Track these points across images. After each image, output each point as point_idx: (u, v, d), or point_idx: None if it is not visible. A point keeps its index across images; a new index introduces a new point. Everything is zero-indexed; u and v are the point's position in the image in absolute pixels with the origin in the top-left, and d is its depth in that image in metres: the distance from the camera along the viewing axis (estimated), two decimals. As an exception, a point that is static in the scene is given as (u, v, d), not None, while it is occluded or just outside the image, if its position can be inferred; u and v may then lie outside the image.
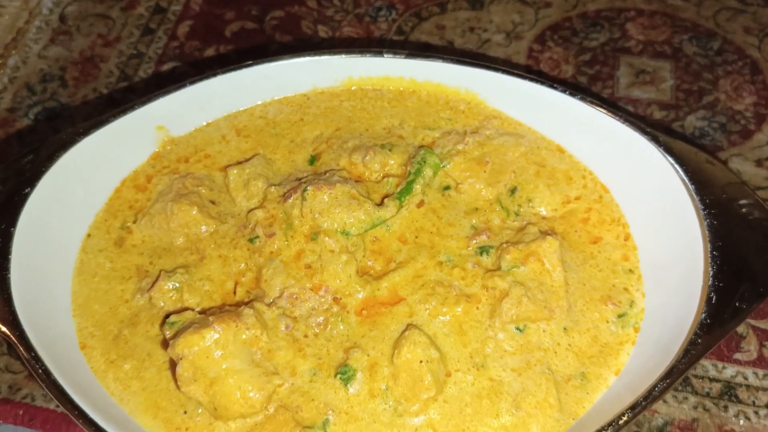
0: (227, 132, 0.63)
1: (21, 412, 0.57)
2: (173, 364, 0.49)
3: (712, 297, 0.47)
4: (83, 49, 0.77)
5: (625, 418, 0.44)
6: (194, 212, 0.56)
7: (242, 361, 0.49)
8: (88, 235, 0.58)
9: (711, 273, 0.48)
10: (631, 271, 0.56)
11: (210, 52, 0.77)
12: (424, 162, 0.58)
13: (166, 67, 0.76)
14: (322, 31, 0.78)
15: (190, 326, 0.49)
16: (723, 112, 0.71)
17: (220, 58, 0.76)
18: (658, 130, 0.55)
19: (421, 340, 0.50)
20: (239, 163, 0.60)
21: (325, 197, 0.55)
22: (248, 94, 0.63)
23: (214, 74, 0.60)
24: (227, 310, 0.51)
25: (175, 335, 0.49)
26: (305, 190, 0.55)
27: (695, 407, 0.56)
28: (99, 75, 0.75)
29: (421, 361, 0.49)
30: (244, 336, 0.49)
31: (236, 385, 0.48)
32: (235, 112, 0.64)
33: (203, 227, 0.57)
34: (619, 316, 0.54)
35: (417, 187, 0.57)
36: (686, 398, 0.56)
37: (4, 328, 0.47)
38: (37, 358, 0.47)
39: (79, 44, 0.77)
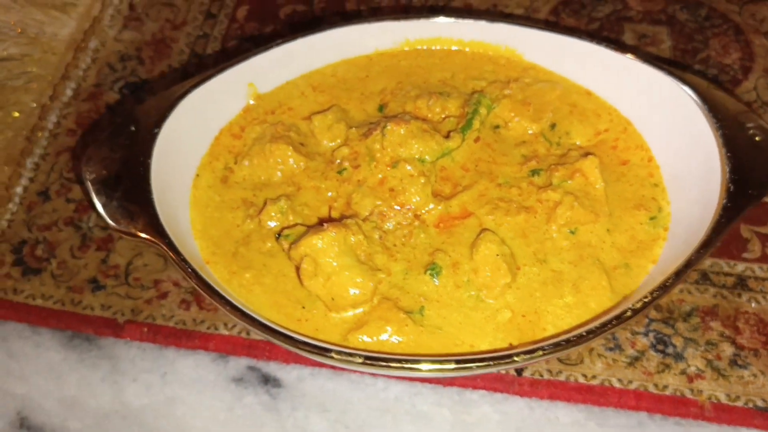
0: (305, 89, 0.73)
1: (145, 330, 0.66)
2: (296, 268, 0.59)
3: (730, 187, 0.59)
4: (154, 32, 0.87)
5: (668, 283, 0.55)
6: (289, 150, 0.66)
7: (352, 259, 0.59)
8: (197, 175, 0.67)
9: (728, 169, 0.59)
10: (656, 185, 0.67)
11: (268, 28, 0.87)
12: (479, 103, 0.69)
13: (230, 44, 0.86)
14: (365, 9, 0.89)
15: (307, 232, 0.59)
16: (714, 65, 0.84)
17: (278, 35, 0.86)
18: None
19: (495, 238, 0.61)
20: (320, 112, 0.71)
21: (401, 131, 0.65)
22: (321, 56, 0.73)
23: (294, 38, 0.70)
24: (326, 222, 0.61)
25: (293, 242, 0.60)
26: (385, 126, 0.65)
27: (714, 296, 0.67)
28: (171, 53, 0.85)
29: (497, 255, 0.60)
30: (352, 239, 0.59)
31: (350, 278, 0.58)
32: (309, 72, 0.74)
33: (298, 163, 0.67)
34: (650, 218, 0.65)
35: (476, 123, 0.68)
36: (707, 289, 0.68)
37: (156, 239, 0.56)
38: (185, 260, 0.56)
39: (150, 28, 0.87)
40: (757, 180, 0.59)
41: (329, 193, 0.66)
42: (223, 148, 0.69)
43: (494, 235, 0.61)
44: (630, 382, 0.63)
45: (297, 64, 0.73)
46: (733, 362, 0.64)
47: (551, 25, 0.86)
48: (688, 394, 0.62)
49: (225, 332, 0.65)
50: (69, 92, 0.81)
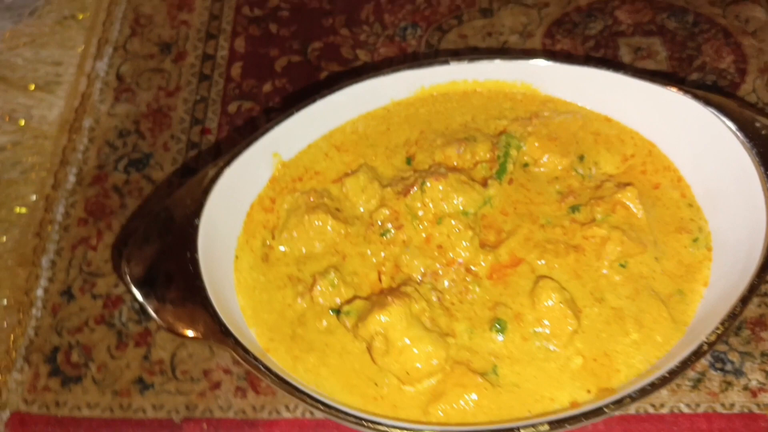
0: (328, 150, 0.71)
1: (205, 426, 0.63)
2: (366, 347, 0.57)
3: (776, 206, 0.60)
4: (149, 102, 0.83)
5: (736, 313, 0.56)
6: (328, 219, 0.65)
7: (420, 329, 0.58)
8: (236, 257, 0.65)
9: (769, 187, 0.61)
10: (690, 205, 0.68)
11: (267, 87, 0.85)
12: (509, 145, 0.69)
13: (231, 106, 0.83)
14: (362, 54, 0.88)
15: (371, 309, 0.58)
16: (711, 71, 0.85)
17: (280, 91, 0.84)
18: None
19: (554, 285, 0.61)
20: (348, 174, 0.69)
21: (440, 186, 0.64)
22: (340, 114, 0.72)
23: (313, 100, 0.69)
24: (386, 293, 0.60)
25: (358, 320, 0.58)
26: (423, 183, 0.64)
27: (759, 305, 0.69)
28: (171, 123, 0.82)
29: (560, 303, 0.60)
30: (416, 307, 0.58)
31: (422, 349, 0.57)
32: (329, 132, 0.72)
33: (338, 230, 0.65)
34: (693, 240, 0.66)
35: (510, 166, 0.68)
36: (751, 300, 0.69)
37: (225, 343, 0.54)
38: (255, 358, 0.54)
39: (144, 98, 0.84)
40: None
41: (374, 259, 0.64)
42: (258, 225, 0.67)
43: (553, 281, 0.61)
44: (698, 405, 0.63)
45: (317, 126, 0.71)
46: (791, 370, 0.65)
47: (564, 55, 0.87)
48: (755, 410, 0.63)
49: (288, 415, 0.63)
50: (72, 178, 0.77)
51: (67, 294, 0.70)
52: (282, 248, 0.65)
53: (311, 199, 0.67)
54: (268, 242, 0.66)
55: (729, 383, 0.65)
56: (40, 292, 0.70)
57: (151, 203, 0.75)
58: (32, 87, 0.82)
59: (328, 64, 0.87)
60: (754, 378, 0.65)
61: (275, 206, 0.68)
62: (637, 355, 0.59)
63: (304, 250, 0.65)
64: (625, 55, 0.87)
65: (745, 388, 0.64)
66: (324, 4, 0.92)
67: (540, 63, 0.72)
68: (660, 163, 0.71)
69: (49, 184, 0.77)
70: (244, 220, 0.67)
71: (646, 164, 0.71)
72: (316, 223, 0.65)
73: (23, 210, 0.74)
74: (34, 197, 0.76)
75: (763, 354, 0.66)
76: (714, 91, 0.83)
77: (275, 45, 0.88)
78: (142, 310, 0.55)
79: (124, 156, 0.79)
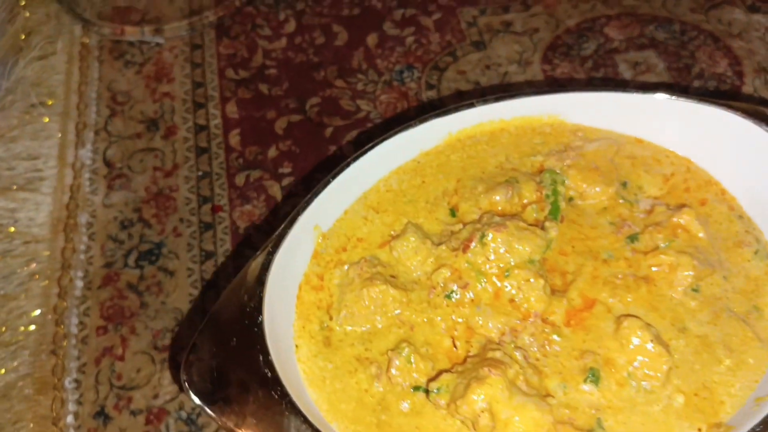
0: (366, 213, 0.67)
1: None
2: (471, 424, 0.53)
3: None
4: (147, 186, 0.77)
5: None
6: (390, 290, 0.60)
7: (521, 396, 0.54)
8: (296, 347, 0.59)
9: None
10: (740, 216, 0.67)
11: (272, 152, 0.79)
12: (555, 181, 0.66)
13: (239, 178, 0.77)
14: (363, 104, 0.84)
15: (468, 384, 0.53)
16: (711, 77, 0.86)
17: (287, 155, 0.79)
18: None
19: (641, 324, 0.58)
20: (393, 236, 0.65)
21: (500, 237, 0.61)
22: (371, 174, 0.67)
23: (347, 164, 0.64)
24: (477, 363, 0.56)
25: (452, 397, 0.54)
26: (483, 236, 0.61)
27: (819, 306, 0.68)
28: (177, 205, 0.75)
29: (650, 340, 0.57)
30: (511, 372, 0.54)
31: (528, 418, 0.53)
32: (363, 194, 0.68)
33: (400, 300, 0.61)
34: (754, 253, 0.65)
35: (562, 204, 0.65)
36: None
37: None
38: (360, 461, 0.48)
39: (140, 182, 0.77)
40: None
41: (444, 324, 0.60)
42: (311, 306, 0.61)
43: (637, 319, 0.58)
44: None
45: (350, 189, 0.66)
46: None
47: (584, 82, 0.85)
48: None
49: None
50: (79, 283, 0.69)
51: (102, 415, 0.62)
52: (342, 328, 0.60)
53: (363, 270, 0.62)
54: (326, 324, 0.61)
55: (814, 392, 0.63)
56: (70, 419, 0.62)
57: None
58: (14, 188, 0.74)
59: (330, 119, 0.82)
60: (836, 382, 0.64)
61: (324, 283, 0.63)
62: (736, 382, 0.57)
63: (367, 327, 0.60)
64: (626, 71, 0.87)
65: (830, 393, 0.63)
66: (311, 57, 0.88)
67: (566, 95, 0.70)
68: (701, 178, 0.70)
69: (54, 293, 0.69)
70: (296, 304, 0.61)
71: (687, 181, 0.69)
72: (375, 295, 0.60)
73: (30, 328, 0.66)
74: (39, 311, 0.68)
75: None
76: (721, 97, 0.84)
77: (270, 106, 0.83)
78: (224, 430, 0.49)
79: (133, 249, 0.72)
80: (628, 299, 0.61)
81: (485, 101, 0.70)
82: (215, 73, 0.86)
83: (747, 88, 0.85)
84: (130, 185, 0.76)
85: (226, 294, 0.55)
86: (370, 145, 0.65)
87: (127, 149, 0.79)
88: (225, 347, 0.52)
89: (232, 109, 0.83)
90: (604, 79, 0.85)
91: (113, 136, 0.80)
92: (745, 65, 0.87)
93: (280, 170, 0.78)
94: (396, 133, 0.67)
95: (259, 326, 0.53)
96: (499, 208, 0.66)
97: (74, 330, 0.67)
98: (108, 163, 0.78)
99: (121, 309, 0.68)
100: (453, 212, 0.67)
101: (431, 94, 0.84)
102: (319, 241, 0.64)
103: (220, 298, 0.55)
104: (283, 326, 0.59)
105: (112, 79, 0.85)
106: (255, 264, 0.57)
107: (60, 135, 0.79)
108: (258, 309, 0.54)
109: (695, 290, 0.62)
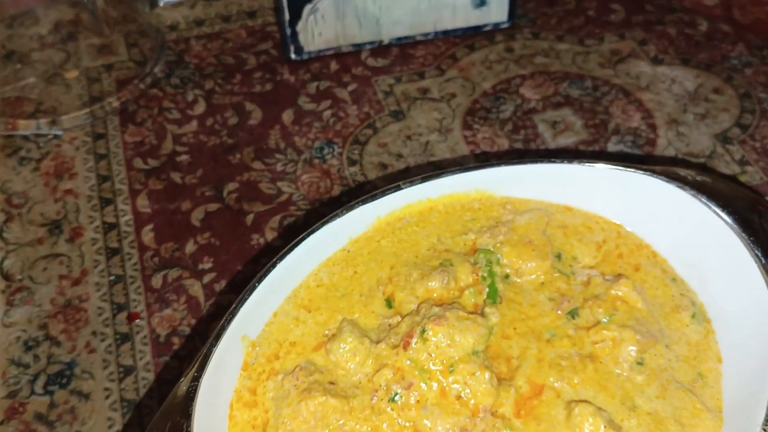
0: (297, 313, 0.62)
1: None
2: None
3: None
4: (53, 298, 0.70)
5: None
6: (330, 400, 0.56)
7: (480, 508, 0.51)
8: (232, 477, 0.54)
9: (759, 254, 0.61)
10: (674, 279, 0.67)
11: (190, 247, 0.74)
12: (490, 262, 0.64)
13: (155, 280, 0.71)
14: (284, 186, 0.80)
15: (422, 502, 0.49)
16: (627, 132, 0.87)
17: (206, 249, 0.74)
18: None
19: (592, 409, 0.56)
20: (329, 336, 0.61)
21: (441, 332, 0.58)
22: (298, 270, 0.64)
23: (273, 265, 0.60)
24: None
25: None
26: (424, 331, 0.58)
27: (756, 359, 0.69)
28: (89, 317, 0.69)
29: (603, 426, 0.55)
30: (466, 484, 0.51)
31: None
32: (292, 292, 0.64)
33: (341, 409, 0.56)
34: (692, 316, 0.64)
35: (499, 286, 0.63)
36: None
37: None
38: None
39: (45, 295, 0.70)
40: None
41: (395, 426, 0.56)
42: (245, 427, 0.56)
43: (588, 405, 0.56)
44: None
45: (279, 290, 0.62)
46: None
47: (510, 153, 0.85)
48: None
49: None
50: (-21, 420, 0.62)
51: None
52: (283, 448, 0.55)
53: (299, 380, 0.57)
54: (263, 445, 0.56)
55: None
56: None
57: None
58: None
59: (251, 205, 0.78)
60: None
61: (257, 398, 0.58)
62: (691, 458, 0.56)
63: (308, 443, 0.56)
64: (545, 132, 0.87)
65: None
66: (225, 139, 0.84)
67: (492, 169, 0.69)
68: (632, 243, 0.69)
69: (-50, 435, 0.61)
70: (228, 427, 0.56)
71: (620, 247, 0.69)
72: (314, 408, 0.56)
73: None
74: (-68, 459, 0.59)
75: (780, 410, 0.66)
76: (635, 157, 0.85)
77: (185, 196, 0.78)
78: None
79: (40, 373, 0.65)
80: (576, 381, 0.59)
81: (411, 182, 0.67)
82: (122, 164, 0.80)
83: (661, 141, 0.86)
84: (33, 299, 0.69)
85: (151, 427, 0.50)
86: (296, 240, 0.62)
87: (27, 258, 0.72)
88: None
89: (143, 203, 0.77)
90: (525, 142, 0.85)
91: (10, 244, 0.73)
92: (657, 118, 0.89)
93: (201, 266, 0.72)
94: (323, 224, 0.63)
95: (191, 468, 0.48)
96: (436, 295, 0.64)
97: (-24, 478, 0.59)
98: (6, 276, 0.71)
99: (31, 445, 0.61)
100: (389, 303, 0.64)
101: (354, 170, 0.82)
102: (249, 350, 0.60)
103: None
104: (215, 457, 0.54)
105: (5, 179, 0.78)
106: (180, 391, 0.52)
107: (-52, 248, 0.71)
108: (187, 446, 0.49)
109: (640, 363, 0.61)
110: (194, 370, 0.53)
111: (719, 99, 0.90)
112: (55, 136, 0.82)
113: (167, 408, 0.51)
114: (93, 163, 0.80)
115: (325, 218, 0.64)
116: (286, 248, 0.61)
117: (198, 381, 0.52)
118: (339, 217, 0.64)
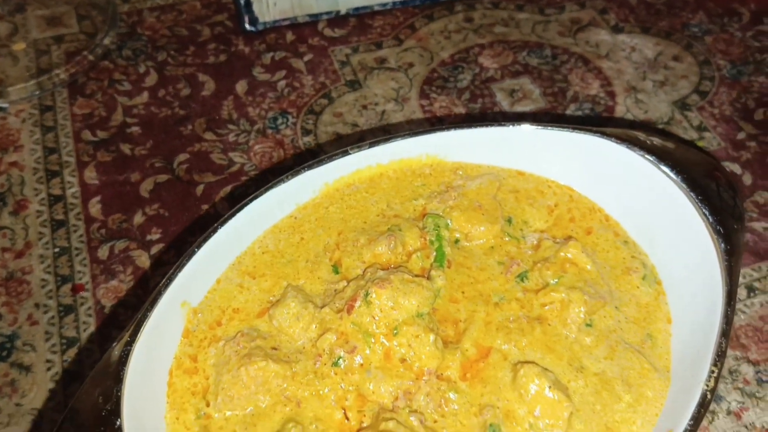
0: (241, 280, 0.61)
1: None
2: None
3: (720, 230, 0.59)
4: (-5, 271, 0.68)
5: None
6: (271, 365, 0.55)
7: (419, 469, 0.50)
8: (170, 442, 0.53)
9: (706, 212, 0.60)
10: (625, 242, 0.67)
11: (138, 218, 0.73)
12: (438, 226, 0.63)
13: (102, 251, 0.70)
14: (236, 157, 0.78)
15: (359, 464, 0.49)
16: (585, 100, 0.87)
17: (155, 219, 0.73)
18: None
19: (537, 370, 0.55)
20: (273, 302, 0.60)
21: (386, 294, 0.57)
22: (243, 236, 0.62)
23: (214, 230, 0.59)
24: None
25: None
26: (367, 294, 0.57)
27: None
28: (32, 289, 0.67)
29: (549, 387, 0.55)
30: (407, 445, 0.50)
31: (429, 492, 0.49)
32: (236, 259, 0.62)
33: (283, 374, 0.55)
34: (643, 278, 0.64)
35: (447, 249, 0.62)
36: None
37: None
38: None
39: (-14, 267, 0.68)
40: (737, 213, 0.61)
41: (333, 396, 0.55)
42: (185, 393, 0.55)
43: (533, 366, 0.56)
44: (695, 444, 0.61)
45: (221, 255, 0.61)
46: (759, 380, 0.65)
47: (463, 117, 0.83)
48: (747, 432, 0.62)
49: None
50: None
51: None
52: (222, 414, 0.54)
53: (240, 346, 0.56)
54: (203, 412, 0.54)
55: (714, 413, 0.63)
56: None
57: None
58: None
59: (201, 176, 0.76)
60: (732, 399, 0.64)
61: (198, 365, 0.57)
62: (637, 418, 0.56)
63: (249, 409, 0.55)
64: (503, 100, 0.86)
65: (729, 412, 0.63)
66: (176, 110, 0.82)
67: (441, 133, 0.68)
68: (584, 206, 0.69)
69: None
70: (167, 392, 0.55)
71: (572, 211, 0.68)
72: (254, 373, 0.55)
73: None
74: None
75: (730, 372, 0.65)
76: (595, 121, 0.84)
77: (134, 167, 0.77)
78: None
79: (-18, 344, 0.64)
80: (523, 343, 0.58)
81: (359, 147, 0.66)
82: (70, 137, 0.78)
83: (620, 108, 0.86)
84: (-26, 272, 0.68)
85: (78, 397, 0.48)
86: (240, 205, 0.60)
87: (-31, 231, 0.71)
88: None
89: (90, 175, 0.76)
90: (483, 111, 0.84)
91: (-48, 218, 0.72)
92: (616, 85, 0.88)
93: (149, 237, 0.71)
94: (267, 189, 0.62)
95: (117, 430, 0.47)
96: (384, 259, 0.63)
97: None
98: (-53, 249, 0.69)
99: (-30, 419, 0.60)
100: (336, 269, 0.63)
101: (308, 140, 0.80)
102: (190, 317, 0.58)
103: (69, 404, 0.48)
104: (153, 421, 0.52)
105: (-51, 152, 0.76)
106: (114, 356, 0.51)
107: None
108: (116, 412, 0.47)
109: (589, 325, 0.60)
110: (128, 335, 0.51)
111: (678, 66, 0.90)
112: (1, 109, 0.80)
113: (98, 373, 0.49)
114: (39, 135, 0.78)
115: (270, 183, 0.62)
116: (227, 214, 0.59)
117: (131, 346, 0.51)
118: (284, 182, 0.63)
